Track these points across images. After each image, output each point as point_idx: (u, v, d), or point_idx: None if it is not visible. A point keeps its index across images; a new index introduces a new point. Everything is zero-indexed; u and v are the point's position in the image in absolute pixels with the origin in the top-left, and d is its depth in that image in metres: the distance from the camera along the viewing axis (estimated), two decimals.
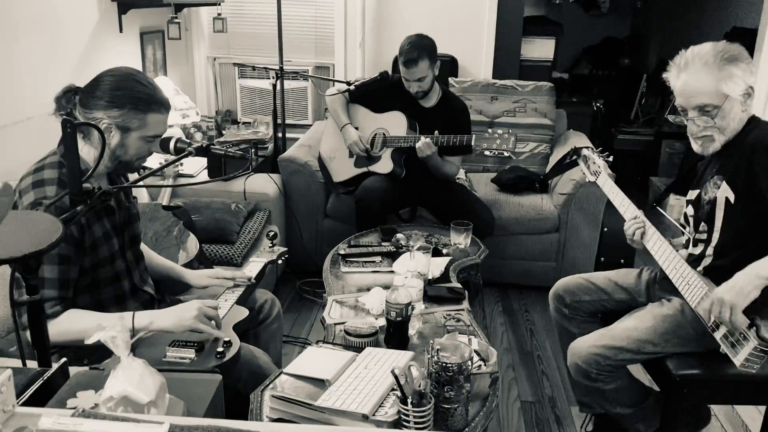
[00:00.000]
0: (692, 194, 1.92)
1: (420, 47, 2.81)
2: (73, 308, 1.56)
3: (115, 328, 1.02)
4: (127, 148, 1.63)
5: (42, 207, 1.49)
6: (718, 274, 1.72)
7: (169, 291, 1.97)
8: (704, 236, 1.82)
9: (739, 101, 1.71)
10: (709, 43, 1.75)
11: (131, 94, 1.59)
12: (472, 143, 2.75)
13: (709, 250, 1.80)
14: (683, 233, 1.96)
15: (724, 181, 1.75)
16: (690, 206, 1.92)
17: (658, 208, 2.37)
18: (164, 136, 1.76)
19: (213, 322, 1.60)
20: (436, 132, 2.78)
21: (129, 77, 1.62)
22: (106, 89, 1.58)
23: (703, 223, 1.83)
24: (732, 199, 1.73)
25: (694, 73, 1.72)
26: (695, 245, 1.86)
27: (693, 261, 1.82)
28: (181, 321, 1.55)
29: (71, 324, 1.51)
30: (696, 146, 1.80)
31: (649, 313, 1.88)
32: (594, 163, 2.17)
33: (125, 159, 1.65)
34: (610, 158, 2.17)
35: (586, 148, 2.27)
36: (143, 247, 1.98)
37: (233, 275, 1.95)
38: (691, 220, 1.91)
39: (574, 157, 2.30)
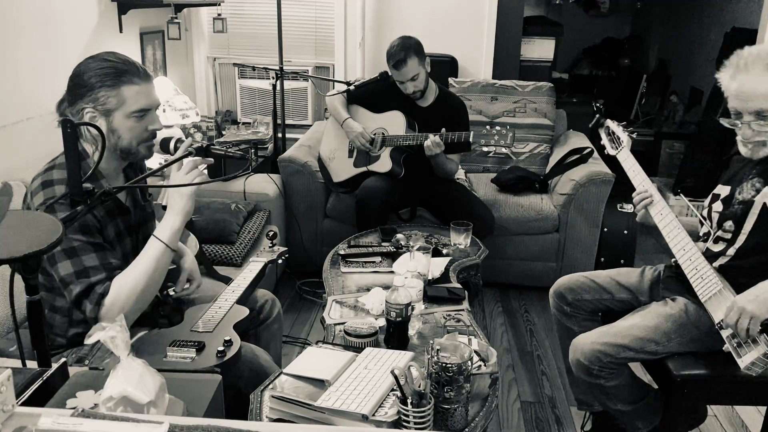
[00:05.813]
0: (723, 189, 1.86)
1: (405, 47, 2.83)
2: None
3: (115, 328, 1.02)
4: (118, 131, 1.60)
5: (43, 207, 1.49)
6: (735, 272, 1.70)
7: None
8: (728, 236, 1.78)
9: None
10: None
11: (95, 72, 1.56)
12: (470, 140, 2.76)
13: (731, 251, 1.77)
14: (702, 225, 1.91)
15: (766, 187, 1.70)
16: (718, 202, 1.86)
17: (681, 196, 2.33)
18: (164, 136, 1.76)
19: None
20: (443, 129, 2.78)
21: (90, 59, 1.60)
22: (77, 79, 1.58)
23: (730, 223, 1.78)
24: None
25: (755, 76, 1.63)
26: (716, 242, 1.82)
27: (710, 257, 1.78)
28: (185, 209, 1.61)
29: (121, 287, 1.52)
30: (745, 150, 1.72)
31: (652, 311, 1.87)
32: (617, 136, 2.11)
33: (123, 145, 1.62)
34: (634, 134, 2.11)
35: (611, 119, 2.21)
36: None
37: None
38: (715, 216, 1.85)
39: (598, 122, 2.22)
